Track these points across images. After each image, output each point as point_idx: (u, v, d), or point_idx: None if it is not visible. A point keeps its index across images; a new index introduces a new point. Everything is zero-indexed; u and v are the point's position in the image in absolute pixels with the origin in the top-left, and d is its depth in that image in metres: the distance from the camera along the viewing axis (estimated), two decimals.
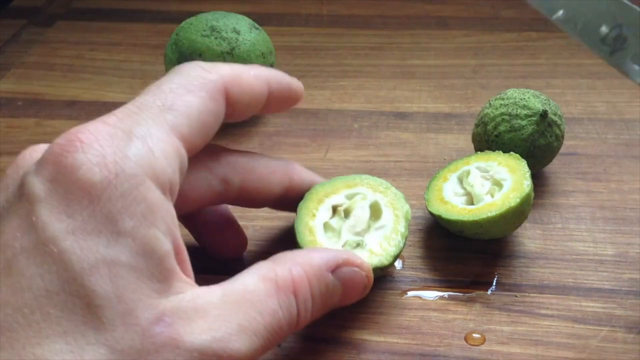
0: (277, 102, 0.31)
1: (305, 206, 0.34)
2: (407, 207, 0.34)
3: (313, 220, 0.34)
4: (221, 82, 0.27)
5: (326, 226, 0.34)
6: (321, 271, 0.26)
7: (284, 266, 0.25)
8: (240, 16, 0.46)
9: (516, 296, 0.34)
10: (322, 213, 0.34)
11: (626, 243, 0.37)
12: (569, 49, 0.55)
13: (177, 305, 0.22)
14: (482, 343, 0.31)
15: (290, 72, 0.52)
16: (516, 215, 0.34)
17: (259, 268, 0.25)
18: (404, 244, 0.33)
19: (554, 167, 0.42)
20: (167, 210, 0.23)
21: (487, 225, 0.33)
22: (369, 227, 0.34)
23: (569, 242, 0.37)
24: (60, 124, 0.48)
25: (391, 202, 0.34)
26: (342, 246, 0.33)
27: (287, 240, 0.37)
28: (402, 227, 0.33)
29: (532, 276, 0.35)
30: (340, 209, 0.34)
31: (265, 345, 0.24)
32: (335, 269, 0.27)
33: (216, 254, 0.35)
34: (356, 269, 0.28)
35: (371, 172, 0.38)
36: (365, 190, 0.35)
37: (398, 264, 0.36)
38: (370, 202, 0.35)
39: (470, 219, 0.33)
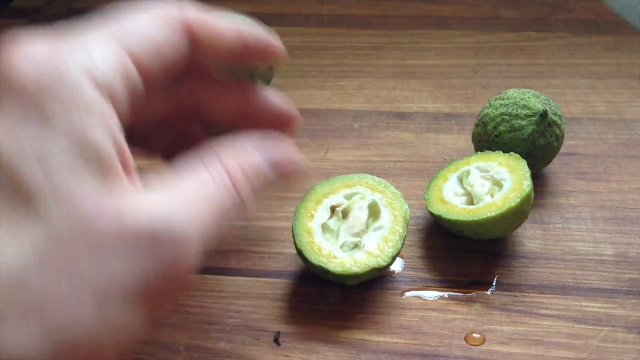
0: (254, 54, 0.30)
1: (303, 207, 0.34)
2: (405, 206, 0.34)
3: (311, 221, 0.34)
4: (182, 14, 0.27)
5: (324, 227, 0.34)
6: (260, 165, 0.26)
7: (216, 163, 0.25)
8: (240, 16, 0.46)
9: (516, 296, 0.34)
10: (320, 214, 0.34)
11: (626, 243, 0.37)
12: (569, 49, 0.55)
13: (120, 196, 0.21)
14: (482, 343, 0.31)
15: (290, 72, 0.53)
16: (516, 215, 0.34)
17: (193, 166, 0.25)
18: (402, 244, 0.33)
19: (554, 167, 0.42)
20: (106, 111, 0.22)
21: (487, 225, 0.33)
22: (367, 227, 0.34)
23: (569, 242, 0.37)
24: None
25: (390, 202, 0.35)
26: (340, 247, 0.33)
27: (287, 240, 0.37)
28: (400, 228, 0.33)
29: (532, 276, 0.35)
30: (339, 209, 0.34)
31: (216, 236, 0.23)
32: (275, 166, 0.27)
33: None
34: (297, 162, 0.27)
35: (371, 172, 0.38)
36: (364, 190, 0.35)
37: (399, 265, 0.36)
38: (368, 202, 0.35)
39: (470, 219, 0.33)
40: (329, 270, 0.32)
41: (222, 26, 0.29)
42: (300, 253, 0.33)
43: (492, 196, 0.35)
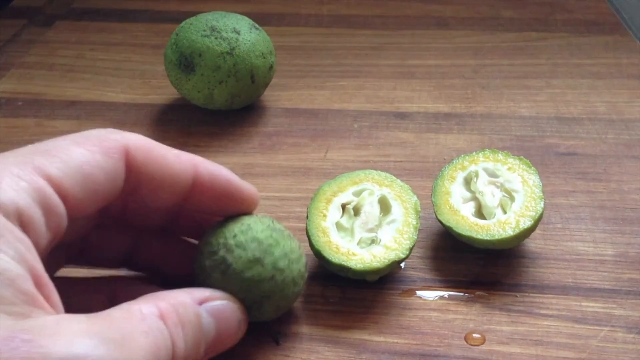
0: (212, 196, 0.29)
1: (314, 207, 0.35)
2: (415, 198, 0.35)
3: (325, 221, 0.34)
4: (122, 141, 0.26)
5: (338, 226, 0.34)
6: (187, 302, 0.26)
7: (147, 301, 0.24)
8: (240, 16, 0.46)
9: (516, 296, 0.34)
10: (332, 213, 0.34)
11: (626, 243, 0.37)
12: (569, 49, 0.55)
13: (38, 324, 0.20)
14: (482, 343, 0.31)
15: (290, 72, 0.53)
16: (527, 233, 0.34)
17: (122, 304, 0.24)
18: (417, 235, 0.33)
19: (554, 167, 0.42)
20: (15, 236, 0.22)
21: (498, 243, 0.34)
22: (380, 222, 0.34)
23: (569, 242, 0.37)
24: (60, 124, 0.48)
25: (399, 195, 0.35)
26: (357, 244, 0.33)
27: None
28: (413, 219, 0.34)
29: (532, 276, 0.35)
30: (349, 207, 0.35)
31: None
32: (203, 302, 0.26)
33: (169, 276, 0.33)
34: (225, 302, 0.27)
35: None
36: (372, 186, 0.35)
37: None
38: (378, 197, 0.35)
39: (483, 237, 0.33)
40: (350, 268, 0.32)
41: (166, 154, 0.28)
42: (318, 254, 0.33)
43: (504, 210, 0.35)
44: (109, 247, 0.31)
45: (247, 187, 0.30)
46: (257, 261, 0.28)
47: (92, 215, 0.29)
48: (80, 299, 0.30)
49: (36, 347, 0.20)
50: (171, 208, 0.31)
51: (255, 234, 0.29)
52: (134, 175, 0.27)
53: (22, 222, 0.22)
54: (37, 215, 0.23)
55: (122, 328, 0.22)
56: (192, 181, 0.28)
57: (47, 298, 0.22)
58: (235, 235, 0.29)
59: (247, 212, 0.31)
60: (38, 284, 0.22)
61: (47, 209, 0.23)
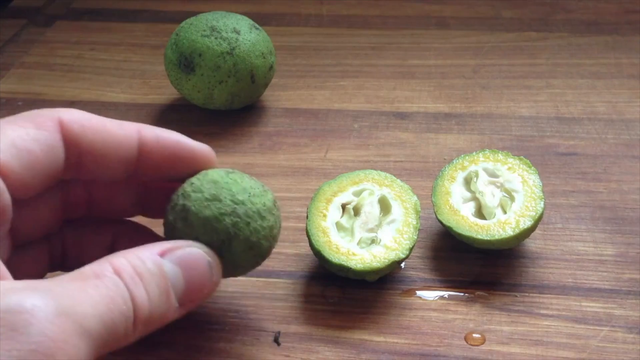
0: (163, 158, 0.29)
1: (314, 207, 0.35)
2: (415, 198, 0.35)
3: (325, 221, 0.34)
4: (55, 115, 0.26)
5: (338, 225, 0.34)
6: (145, 255, 0.25)
7: (100, 262, 0.24)
8: (240, 16, 0.46)
9: (516, 296, 0.34)
10: (333, 212, 0.34)
11: (626, 243, 0.37)
12: (569, 49, 0.55)
13: None
14: (482, 343, 0.31)
15: (290, 72, 0.53)
16: (527, 233, 0.34)
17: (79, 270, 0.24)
18: (417, 235, 0.33)
19: (554, 167, 0.42)
20: None
21: (498, 243, 0.34)
22: (380, 222, 0.34)
23: (569, 242, 0.37)
24: None
25: (399, 195, 0.35)
26: (357, 244, 0.33)
27: (287, 240, 0.37)
28: (413, 220, 0.34)
29: (532, 276, 0.35)
30: (349, 206, 0.35)
31: (101, 318, 0.22)
32: (164, 253, 0.26)
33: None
34: (189, 248, 0.26)
35: None
36: (372, 186, 0.35)
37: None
38: (378, 197, 0.35)
39: (483, 238, 0.33)
40: (350, 268, 0.32)
41: (105, 122, 0.27)
42: (318, 253, 0.33)
43: (504, 210, 0.35)
44: (88, 248, 0.31)
45: (199, 145, 0.30)
46: (214, 198, 0.28)
47: (53, 203, 0.28)
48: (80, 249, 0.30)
49: None
50: (131, 185, 0.30)
51: (212, 178, 0.29)
52: (74, 146, 0.26)
53: None
54: None
55: (67, 284, 0.22)
56: (138, 146, 0.28)
57: None
58: (192, 183, 0.29)
59: (201, 162, 0.30)
60: None
61: None
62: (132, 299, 0.23)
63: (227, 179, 0.29)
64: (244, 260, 0.29)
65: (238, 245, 0.28)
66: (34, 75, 0.54)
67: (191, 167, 0.30)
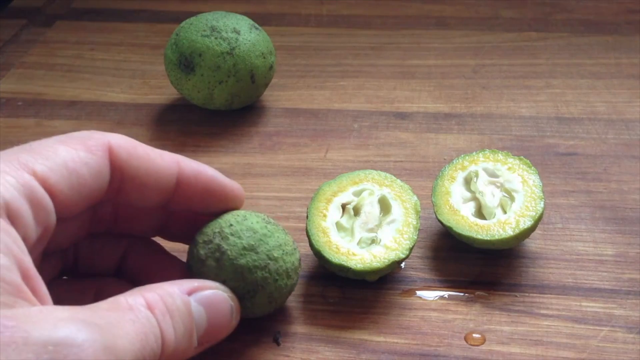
0: (199, 196, 0.30)
1: (314, 207, 0.35)
2: (415, 198, 0.35)
3: (325, 221, 0.34)
4: (105, 140, 0.27)
5: (338, 225, 0.34)
6: (175, 292, 0.26)
7: (134, 293, 0.25)
8: (240, 16, 0.46)
9: (516, 296, 0.34)
10: (332, 213, 0.34)
11: (626, 243, 0.37)
12: (569, 49, 0.55)
13: (22, 312, 0.21)
14: (482, 343, 0.31)
15: (290, 72, 0.53)
16: (527, 233, 0.34)
17: (109, 298, 0.24)
18: (417, 235, 0.33)
19: (554, 167, 0.42)
20: (2, 228, 0.22)
21: (498, 243, 0.34)
22: (380, 222, 0.34)
23: (569, 242, 0.37)
24: (60, 124, 0.48)
25: (399, 195, 0.35)
26: (357, 244, 0.33)
27: None
28: (413, 220, 0.34)
29: (532, 276, 0.35)
30: (349, 207, 0.35)
31: (134, 355, 0.23)
32: (192, 292, 0.27)
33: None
34: (215, 290, 0.28)
35: None
36: (372, 186, 0.35)
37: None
38: (378, 197, 0.35)
39: (483, 237, 0.33)
40: (350, 268, 0.32)
41: (149, 152, 0.28)
42: (318, 254, 0.33)
43: (504, 210, 0.35)
44: (100, 258, 0.31)
45: (231, 183, 0.31)
46: (251, 249, 0.29)
47: (83, 218, 0.29)
48: (66, 296, 0.30)
49: (19, 332, 0.20)
50: (159, 210, 0.31)
51: (251, 224, 0.30)
52: (118, 172, 0.27)
53: (10, 215, 0.23)
54: (24, 208, 0.23)
55: (107, 316, 0.23)
56: (176, 178, 0.29)
57: (34, 291, 0.22)
58: (230, 225, 0.29)
59: (232, 207, 0.31)
60: (25, 276, 0.22)
61: (34, 203, 0.24)
62: (162, 338, 0.24)
63: (265, 230, 0.30)
64: (260, 309, 0.30)
65: (261, 297, 0.29)
66: (34, 75, 0.54)
67: (221, 203, 0.30)
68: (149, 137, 0.46)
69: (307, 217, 0.34)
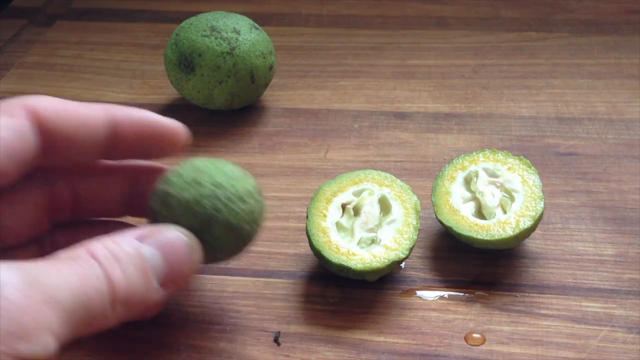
0: (140, 142, 0.29)
1: (314, 207, 0.35)
2: (415, 198, 0.35)
3: (325, 221, 0.34)
4: (25, 101, 0.26)
5: (338, 225, 0.34)
6: (122, 240, 0.25)
7: (77, 246, 0.24)
8: (240, 16, 0.46)
9: (516, 296, 0.34)
10: (333, 212, 0.34)
11: (626, 243, 0.37)
12: (569, 49, 0.55)
13: None
14: (482, 343, 0.31)
15: (290, 72, 0.53)
16: (527, 233, 0.34)
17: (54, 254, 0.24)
18: (417, 235, 0.33)
19: (554, 167, 0.42)
20: None
21: (498, 243, 0.34)
22: (380, 222, 0.34)
23: (569, 242, 0.37)
24: None
25: (399, 195, 0.35)
26: (357, 244, 0.33)
27: (287, 240, 0.37)
28: (413, 220, 0.34)
29: (532, 276, 0.35)
30: (349, 207, 0.35)
31: (74, 294, 0.22)
32: (142, 237, 0.26)
33: None
34: (166, 231, 0.27)
35: None
36: (372, 186, 0.36)
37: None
38: (378, 197, 0.35)
39: (483, 237, 0.33)
40: (350, 268, 0.32)
41: (77, 107, 0.27)
42: (318, 253, 0.33)
43: (504, 210, 0.35)
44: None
45: (168, 120, 0.30)
46: (194, 182, 0.28)
47: (39, 204, 0.28)
48: None
49: None
50: (120, 185, 0.31)
51: (193, 164, 0.29)
52: (46, 131, 0.27)
53: None
54: None
55: (42, 264, 0.22)
56: (109, 124, 0.28)
57: None
58: (173, 170, 0.29)
59: (176, 147, 0.30)
60: None
61: None
62: (108, 277, 0.23)
63: (209, 164, 0.29)
64: (224, 243, 0.29)
65: (218, 227, 0.28)
66: (34, 75, 0.54)
67: (163, 143, 0.30)
68: None
69: (307, 217, 0.34)
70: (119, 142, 0.29)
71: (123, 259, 0.24)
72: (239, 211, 0.28)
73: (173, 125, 0.30)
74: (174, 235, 0.27)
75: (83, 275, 0.23)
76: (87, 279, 0.23)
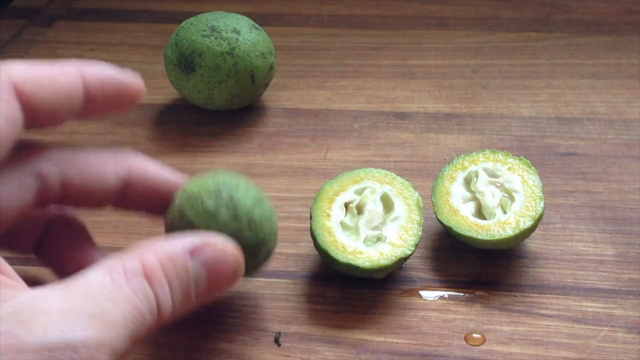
0: (105, 101, 0.29)
1: (318, 207, 0.35)
2: (416, 194, 0.35)
3: (329, 220, 0.34)
4: (7, 78, 0.25)
5: (342, 225, 0.34)
6: (176, 255, 0.25)
7: (132, 256, 0.24)
8: (240, 16, 0.46)
9: (516, 296, 0.34)
10: (336, 212, 0.34)
11: (626, 243, 0.37)
12: (569, 49, 0.55)
13: (10, 311, 0.20)
14: (482, 343, 0.31)
15: (290, 72, 0.53)
16: (527, 233, 0.34)
17: (104, 263, 0.23)
18: (422, 231, 0.34)
19: (554, 167, 0.42)
20: None
21: (498, 243, 0.34)
22: (384, 220, 0.34)
23: (569, 242, 0.37)
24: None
25: (400, 192, 0.35)
26: (363, 242, 0.33)
27: (287, 240, 0.37)
28: (416, 216, 0.34)
29: (532, 276, 0.35)
30: (352, 205, 0.35)
31: (129, 334, 0.22)
32: (195, 253, 0.25)
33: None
34: (219, 250, 0.26)
35: None
36: (373, 184, 0.36)
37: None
38: (380, 195, 0.35)
39: (483, 237, 0.33)
40: (358, 267, 0.32)
41: (53, 74, 0.26)
42: (325, 253, 0.33)
43: (504, 210, 0.35)
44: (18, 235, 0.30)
45: (131, 79, 0.30)
46: (260, 201, 0.29)
47: (26, 185, 0.27)
48: None
49: (11, 338, 0.19)
50: (114, 173, 0.29)
51: (242, 182, 0.29)
52: (30, 108, 0.26)
53: None
54: None
55: (101, 297, 0.22)
56: (83, 85, 0.27)
57: (5, 274, 0.22)
58: (225, 179, 0.29)
59: (134, 97, 0.31)
60: None
61: None
62: (158, 309, 0.24)
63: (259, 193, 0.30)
64: (257, 266, 0.30)
65: (264, 253, 0.29)
66: None
67: (125, 96, 0.30)
68: (149, 137, 0.46)
69: (310, 217, 0.34)
70: (90, 100, 0.28)
71: (175, 284, 0.24)
72: (273, 247, 0.30)
73: (131, 78, 0.30)
74: (228, 256, 0.26)
75: (141, 314, 0.23)
76: (143, 318, 0.23)
